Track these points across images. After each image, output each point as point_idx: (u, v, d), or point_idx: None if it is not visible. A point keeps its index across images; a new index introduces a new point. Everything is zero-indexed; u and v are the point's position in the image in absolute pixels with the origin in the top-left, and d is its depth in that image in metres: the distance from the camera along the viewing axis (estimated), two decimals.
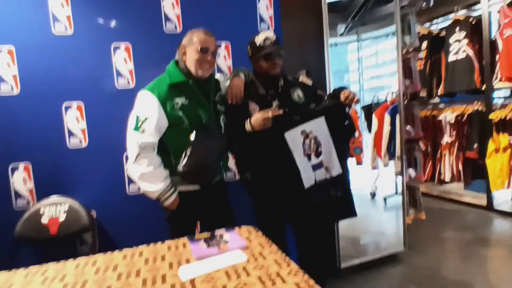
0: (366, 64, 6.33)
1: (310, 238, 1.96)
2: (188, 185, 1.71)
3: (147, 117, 1.60)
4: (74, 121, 2.06)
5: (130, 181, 2.09)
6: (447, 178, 3.97)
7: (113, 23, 2.10)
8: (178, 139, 1.64)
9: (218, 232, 1.54)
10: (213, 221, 1.77)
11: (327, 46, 2.53)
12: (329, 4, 2.52)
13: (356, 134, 3.84)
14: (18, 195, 2.02)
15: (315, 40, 2.64)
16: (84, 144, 2.08)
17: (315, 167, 1.83)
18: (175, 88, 1.64)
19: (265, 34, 1.81)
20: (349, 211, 1.91)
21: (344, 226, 2.47)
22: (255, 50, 1.81)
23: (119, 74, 2.12)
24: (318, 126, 1.82)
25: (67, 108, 2.05)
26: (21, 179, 2.01)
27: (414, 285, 2.34)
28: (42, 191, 2.03)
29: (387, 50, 5.66)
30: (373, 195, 4.01)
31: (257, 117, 1.70)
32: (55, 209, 1.98)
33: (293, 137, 1.78)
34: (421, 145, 3.60)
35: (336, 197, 1.85)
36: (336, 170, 1.86)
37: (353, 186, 1.93)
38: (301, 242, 1.97)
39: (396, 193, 3.80)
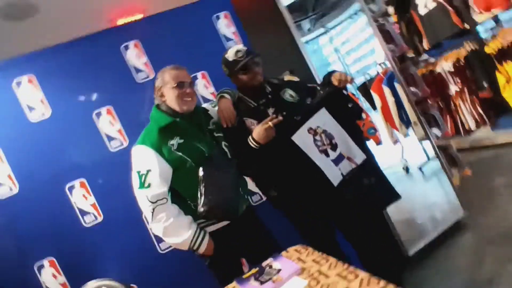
0: (343, 52, 6.31)
1: (365, 236, 1.77)
2: (217, 224, 1.59)
3: (148, 169, 1.50)
4: (82, 199, 1.98)
5: (158, 239, 1.95)
6: (472, 126, 3.74)
7: (88, 94, 2.08)
8: (187, 180, 1.54)
9: (266, 263, 1.36)
10: (257, 252, 1.60)
11: (300, 43, 2.47)
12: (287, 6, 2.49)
13: (363, 116, 3.69)
14: None
15: (287, 44, 2.56)
16: (100, 218, 1.99)
17: (337, 161, 1.67)
18: (166, 131, 1.55)
19: (235, 48, 1.74)
20: (391, 194, 1.74)
21: (393, 212, 2.27)
22: (231, 66, 1.72)
23: (109, 138, 2.06)
24: (323, 119, 1.69)
25: (70, 189, 1.97)
26: (50, 276, 1.91)
27: (492, 246, 2.10)
28: (75, 280, 1.91)
29: (358, 30, 5.63)
30: (406, 169, 3.77)
31: (258, 131, 1.58)
32: None
33: (302, 138, 1.64)
34: (431, 103, 3.42)
35: (372, 185, 1.69)
36: (360, 157, 1.71)
37: (383, 168, 1.77)
38: (358, 245, 1.77)
39: (428, 159, 3.58)
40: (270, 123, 1.56)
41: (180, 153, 1.53)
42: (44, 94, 1.99)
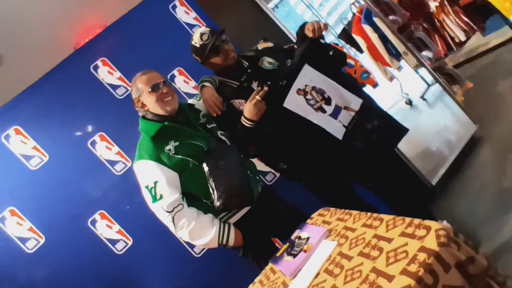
0: (317, 5, 6.11)
1: (384, 180, 1.75)
2: (238, 213, 1.58)
3: (155, 181, 1.48)
4: (107, 229, 2.01)
5: (190, 244, 1.97)
6: (462, 37, 3.61)
7: (76, 126, 2.08)
8: (195, 180, 1.52)
9: (294, 235, 1.36)
10: (285, 228, 1.60)
11: (267, 9, 2.41)
12: None
13: (352, 62, 3.60)
14: None
15: (254, 14, 2.49)
16: (129, 242, 2.02)
17: (335, 114, 1.63)
18: (158, 139, 1.52)
19: (198, 32, 1.66)
20: (398, 130, 1.70)
21: (407, 148, 2.24)
22: (201, 53, 1.66)
23: (111, 163, 2.06)
24: (308, 76, 1.62)
25: (93, 223, 2.00)
26: None
27: None
28: None
29: None
30: (410, 102, 3.71)
31: (248, 108, 1.55)
32: None
33: (294, 102, 1.59)
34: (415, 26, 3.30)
35: (376, 127, 1.65)
36: (355, 102, 1.65)
37: (386, 108, 1.72)
38: (380, 191, 1.77)
39: (428, 85, 3.50)
40: (257, 97, 1.52)
41: (179, 156, 1.50)
42: (35, 140, 2.00)
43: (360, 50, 3.84)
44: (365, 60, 3.94)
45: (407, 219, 0.89)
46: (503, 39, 3.48)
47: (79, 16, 2.53)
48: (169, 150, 1.51)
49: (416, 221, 0.85)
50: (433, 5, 3.66)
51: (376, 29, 3.29)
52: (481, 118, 2.51)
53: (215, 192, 1.47)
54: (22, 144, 1.98)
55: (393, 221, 0.94)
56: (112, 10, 2.36)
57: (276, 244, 1.76)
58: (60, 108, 2.05)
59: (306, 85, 1.61)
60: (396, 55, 3.41)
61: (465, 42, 3.67)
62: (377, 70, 3.71)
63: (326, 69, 1.64)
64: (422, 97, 3.52)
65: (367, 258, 0.88)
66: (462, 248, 0.74)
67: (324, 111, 1.61)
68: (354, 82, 1.85)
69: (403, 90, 3.77)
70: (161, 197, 1.46)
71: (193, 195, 1.55)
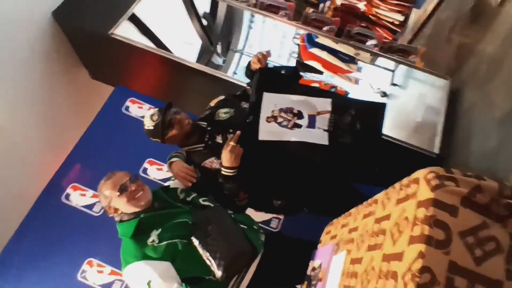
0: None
1: (388, 167, 1.62)
2: (248, 272, 1.42)
3: (148, 281, 1.31)
4: None
5: None
6: (400, 18, 3.55)
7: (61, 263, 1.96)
8: (190, 260, 1.37)
9: (309, 269, 1.19)
10: (303, 267, 1.41)
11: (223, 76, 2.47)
12: None
13: (317, 84, 3.64)
14: None
15: (212, 81, 2.55)
16: None
17: (312, 124, 1.57)
18: (139, 235, 1.40)
19: (148, 116, 1.64)
20: (377, 108, 1.66)
21: (399, 133, 2.13)
22: (156, 132, 1.61)
23: (106, 286, 1.92)
24: (271, 102, 1.60)
25: None
26: None
27: (487, 84, 1.87)
28: None
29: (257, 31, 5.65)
30: (384, 94, 3.64)
31: (225, 157, 1.47)
32: None
33: (267, 132, 1.55)
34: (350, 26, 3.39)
35: (354, 115, 1.58)
36: (325, 103, 1.60)
37: None
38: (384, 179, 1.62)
39: (392, 71, 3.49)
40: (231, 143, 1.46)
41: (164, 242, 1.37)
42: None
43: (319, 72, 3.91)
44: (327, 77, 3.99)
45: (397, 185, 0.74)
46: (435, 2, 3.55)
47: (43, 150, 2.60)
48: (153, 241, 1.37)
49: (405, 180, 0.71)
50: (362, 5, 3.82)
51: (322, 47, 3.39)
52: (450, 70, 2.43)
53: (213, 261, 1.31)
54: None
55: (385, 195, 0.79)
56: (68, 136, 2.42)
57: None
58: (43, 253, 1.96)
59: (273, 111, 1.58)
60: (350, 60, 3.45)
61: (405, 20, 3.75)
62: (341, 80, 3.72)
63: (285, 87, 1.63)
64: (393, 84, 3.48)
65: (375, 249, 0.72)
66: (461, 181, 0.59)
67: (299, 126, 1.56)
68: (315, 88, 1.83)
69: (373, 86, 3.74)
70: None
71: (194, 278, 1.38)
